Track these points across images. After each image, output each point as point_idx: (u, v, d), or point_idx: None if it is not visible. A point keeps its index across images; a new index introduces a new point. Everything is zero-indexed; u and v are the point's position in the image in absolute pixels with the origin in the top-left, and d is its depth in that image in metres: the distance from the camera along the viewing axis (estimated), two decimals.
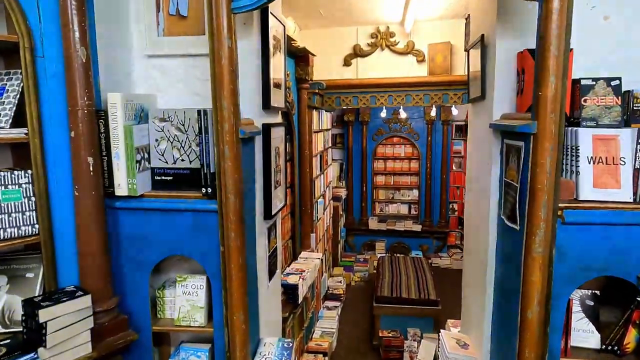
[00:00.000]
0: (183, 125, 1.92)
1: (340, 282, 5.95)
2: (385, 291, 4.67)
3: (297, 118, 4.28)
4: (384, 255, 6.74)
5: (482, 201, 2.12)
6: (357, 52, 4.75)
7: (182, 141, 1.93)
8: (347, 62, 4.78)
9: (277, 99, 2.34)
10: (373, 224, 7.52)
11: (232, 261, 1.82)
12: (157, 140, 1.94)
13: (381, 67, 4.68)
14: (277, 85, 2.35)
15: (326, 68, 4.66)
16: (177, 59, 2.07)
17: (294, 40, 3.55)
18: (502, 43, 1.90)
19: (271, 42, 2.15)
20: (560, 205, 1.60)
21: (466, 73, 2.51)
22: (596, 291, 1.81)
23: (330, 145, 6.31)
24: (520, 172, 1.66)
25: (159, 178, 1.96)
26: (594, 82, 1.69)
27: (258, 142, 2.14)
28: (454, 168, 7.51)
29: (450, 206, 7.58)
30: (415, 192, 7.65)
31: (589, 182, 1.65)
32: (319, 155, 5.05)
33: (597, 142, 1.67)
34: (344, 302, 5.71)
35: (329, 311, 5.17)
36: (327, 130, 5.82)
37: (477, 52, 2.16)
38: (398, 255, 6.64)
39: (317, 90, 4.42)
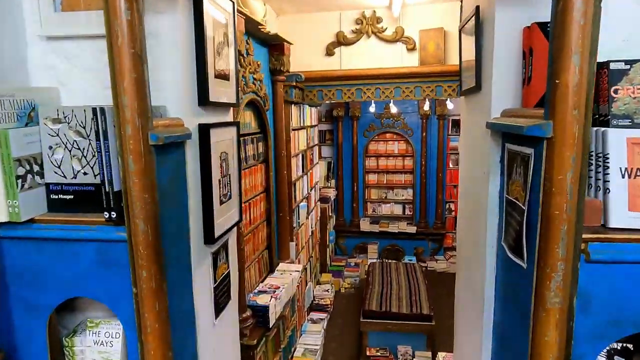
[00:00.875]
0: (84, 127, 1.46)
1: (328, 290, 5.52)
2: (373, 304, 4.24)
3: (272, 114, 3.81)
4: (375, 260, 6.30)
5: (475, 222, 1.67)
6: (341, 40, 4.27)
7: (84, 149, 1.47)
8: (329, 52, 4.30)
9: (222, 92, 1.89)
10: (365, 225, 7.09)
11: (146, 308, 1.37)
12: (51, 147, 1.48)
13: (367, 56, 4.22)
14: (223, 76, 1.89)
15: (306, 58, 4.20)
16: (83, 41, 1.61)
17: (262, 25, 3.08)
18: (503, 16, 1.44)
19: (209, 19, 1.69)
20: (583, 236, 1.16)
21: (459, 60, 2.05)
22: (628, 345, 1.37)
23: (317, 142, 5.85)
24: (529, 190, 1.21)
25: (56, 197, 1.51)
26: (629, 66, 1.24)
27: (193, 147, 1.69)
28: (450, 165, 7.06)
29: (447, 206, 7.14)
30: (410, 191, 7.21)
31: (623, 203, 1.20)
32: (300, 155, 4.59)
33: (633, 147, 1.22)
34: (332, 313, 5.29)
35: (313, 324, 4.75)
36: (311, 126, 5.36)
37: (470, 30, 1.71)
38: (390, 261, 6.21)
39: (295, 83, 3.95)
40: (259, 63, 3.39)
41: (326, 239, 6.20)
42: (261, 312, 3.04)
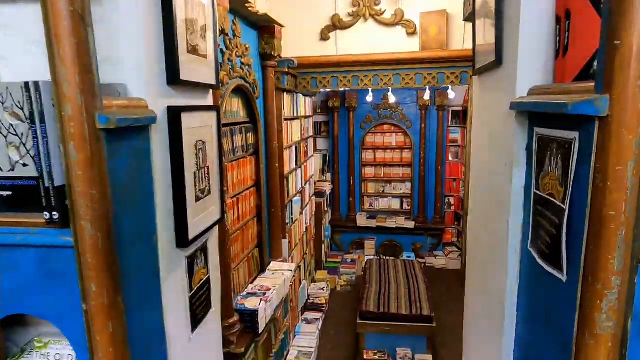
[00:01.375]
0: (22, 109, 1.20)
1: (323, 289, 5.29)
2: (371, 305, 4.01)
3: (263, 103, 3.55)
4: (372, 257, 6.08)
5: (494, 221, 1.43)
6: (336, 24, 4.00)
7: (23, 135, 1.21)
8: (324, 36, 4.03)
9: (198, 71, 1.63)
10: (362, 220, 6.85)
11: (97, 328, 1.13)
12: None
13: (365, 41, 3.95)
14: (199, 53, 1.63)
15: (299, 42, 3.92)
16: (25, 6, 1.34)
17: (249, 3, 2.81)
18: None
19: None
20: None
21: (471, 41, 1.80)
22: None
23: (311, 134, 5.59)
24: (571, 185, 0.97)
25: None
26: None
27: (160, 134, 1.43)
28: (450, 158, 6.82)
29: (446, 200, 6.91)
30: (408, 185, 6.98)
31: None
32: (293, 147, 4.33)
33: None
34: (327, 313, 5.06)
35: (308, 325, 4.52)
36: (306, 117, 5.09)
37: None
38: (388, 258, 5.99)
39: (287, 69, 3.69)
40: (247, 46, 3.12)
41: (321, 234, 5.96)
42: (250, 317, 2.80)
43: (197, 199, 1.63)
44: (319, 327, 4.56)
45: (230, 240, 3.04)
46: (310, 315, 4.77)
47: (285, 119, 3.97)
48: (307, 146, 5.18)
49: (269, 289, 3.15)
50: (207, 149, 1.71)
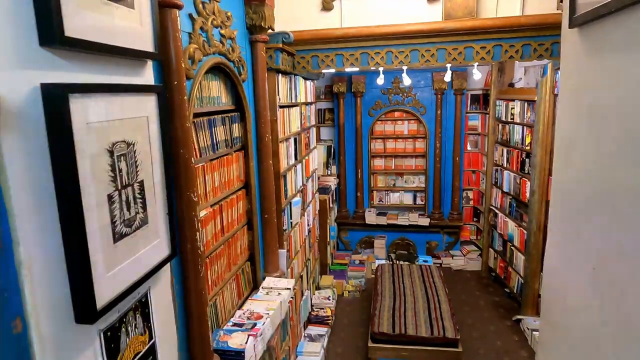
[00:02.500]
0: None
1: (329, 297, 4.70)
2: (384, 324, 3.41)
3: (252, 86, 2.90)
4: (384, 262, 5.46)
5: (613, 240, 0.79)
6: None
7: None
8: (326, 5, 3.35)
9: (113, 25, 0.99)
10: (371, 217, 6.23)
11: None
12: None
13: (376, 10, 3.27)
14: None
15: (296, 13, 3.26)
16: None
17: None
18: None
19: None
20: None
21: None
22: None
23: (314, 123, 4.94)
24: None
25: None
26: None
27: (28, 130, 0.80)
28: (468, 148, 6.14)
29: (464, 194, 6.25)
30: (422, 179, 6.32)
31: None
32: (292, 139, 3.69)
33: None
34: (333, 326, 4.47)
35: (311, 343, 3.94)
36: (307, 104, 4.44)
37: None
38: (401, 262, 5.37)
39: (281, 45, 3.02)
40: (228, 14, 2.47)
41: (327, 235, 5.36)
42: (235, 358, 2.21)
43: (119, 236, 1.01)
44: (324, 345, 3.98)
45: (211, 259, 2.44)
46: (314, 330, 4.18)
47: (281, 106, 3.33)
48: (308, 137, 4.53)
49: (261, 317, 2.55)
50: (137, 155, 1.08)
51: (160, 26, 1.37)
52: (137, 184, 1.06)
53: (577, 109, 1.16)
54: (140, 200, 1.08)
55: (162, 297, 1.28)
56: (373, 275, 5.78)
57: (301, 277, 4.07)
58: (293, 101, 3.71)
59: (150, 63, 1.24)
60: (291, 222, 3.65)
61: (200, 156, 2.30)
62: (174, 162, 1.85)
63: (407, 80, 4.13)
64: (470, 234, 6.32)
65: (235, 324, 2.46)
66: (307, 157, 4.39)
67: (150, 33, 1.15)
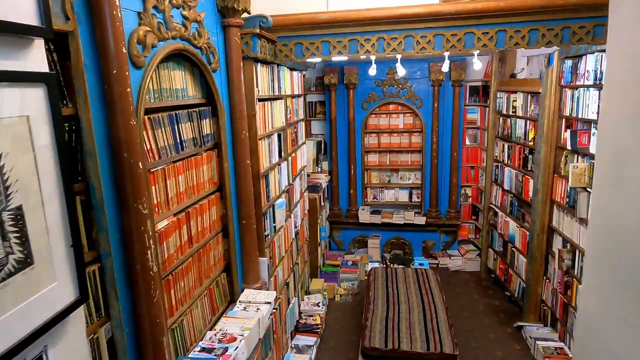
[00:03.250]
0: None
1: (319, 304, 4.40)
2: (376, 338, 3.13)
3: (225, 77, 2.58)
4: (377, 266, 5.16)
5: None
6: None
7: None
8: None
9: None
10: (364, 216, 5.92)
11: None
12: None
13: None
14: None
15: None
16: None
17: None
18: None
19: None
20: None
21: None
22: None
23: (302, 117, 4.61)
24: None
25: None
26: None
27: None
28: (467, 143, 5.83)
29: (463, 191, 5.96)
30: (418, 175, 6.01)
31: None
32: (274, 136, 3.37)
33: None
34: (323, 335, 4.19)
35: (298, 356, 3.65)
36: (293, 96, 4.11)
37: None
38: (396, 266, 5.07)
39: (258, 31, 2.69)
40: None
41: (317, 236, 5.05)
42: None
43: None
44: (313, 358, 3.70)
45: (176, 275, 2.13)
46: (301, 339, 3.90)
47: (261, 99, 3.00)
48: (295, 133, 4.21)
49: (234, 340, 2.25)
50: (7, 172, 0.76)
51: None
52: (8, 213, 0.75)
53: (635, 107, 0.85)
54: (16, 235, 0.77)
55: (69, 355, 0.98)
56: (366, 277, 5.50)
57: (287, 284, 3.78)
58: (276, 93, 3.38)
59: (39, 42, 0.91)
60: (274, 226, 3.34)
61: (159, 158, 1.98)
62: (117, 168, 1.53)
63: (401, 71, 3.81)
64: (469, 233, 6.04)
65: (203, 349, 2.16)
66: (294, 154, 4.07)
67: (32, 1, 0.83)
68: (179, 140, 2.15)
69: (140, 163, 1.58)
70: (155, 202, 1.94)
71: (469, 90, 5.66)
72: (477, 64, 3.58)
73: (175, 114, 2.13)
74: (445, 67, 3.73)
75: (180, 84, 2.18)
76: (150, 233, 1.66)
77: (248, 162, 2.73)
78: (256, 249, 2.90)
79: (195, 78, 2.36)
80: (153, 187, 1.92)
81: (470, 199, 5.96)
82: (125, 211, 1.57)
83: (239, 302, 2.70)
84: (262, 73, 2.99)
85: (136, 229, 1.60)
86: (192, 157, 2.31)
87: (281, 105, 3.57)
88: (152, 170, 1.91)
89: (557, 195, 3.85)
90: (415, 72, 5.58)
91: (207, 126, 2.47)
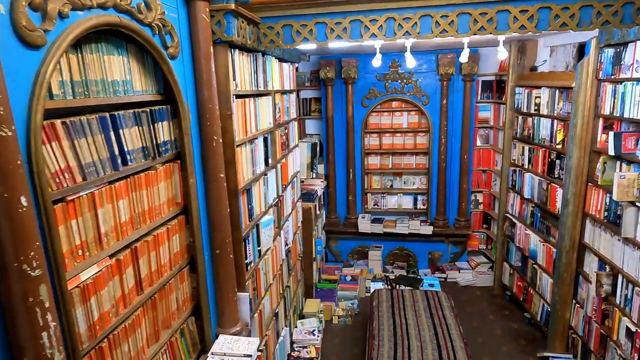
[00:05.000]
0: None
1: (314, 332, 3.82)
2: None
3: (191, 67, 1.98)
4: (381, 287, 4.60)
5: None
6: None
7: None
8: None
9: None
10: (364, 225, 5.35)
11: None
12: None
13: None
14: None
15: None
16: None
17: None
18: None
19: None
20: None
21: None
22: None
23: (294, 116, 4.01)
24: None
25: None
26: None
27: None
28: (478, 144, 5.26)
29: (473, 197, 5.39)
30: (424, 179, 5.44)
31: None
32: (260, 140, 2.77)
33: None
34: None
35: None
36: (284, 92, 3.51)
37: None
38: (403, 288, 4.50)
39: (234, 7, 2.08)
40: None
41: (312, 250, 4.47)
42: None
43: None
44: None
45: (114, 340, 1.54)
46: None
47: (240, 96, 2.41)
48: (287, 134, 3.62)
49: None
50: None
51: None
52: None
53: None
54: None
55: None
56: (367, 294, 4.94)
57: (276, 314, 3.19)
58: (261, 88, 2.78)
59: None
60: (259, 251, 2.75)
61: (84, 179, 1.38)
62: None
63: (410, 62, 3.20)
64: (479, 243, 5.48)
65: None
66: (284, 160, 3.48)
67: None
68: (117, 152, 1.56)
69: (22, 197, 0.99)
70: (75, 244, 1.35)
71: (481, 86, 5.08)
72: (502, 53, 2.98)
73: (112, 115, 1.53)
74: (464, 57, 3.13)
75: (120, 74, 1.58)
76: (47, 304, 1.06)
77: (222, 175, 2.13)
78: (234, 283, 2.31)
79: (147, 68, 1.76)
80: (72, 222, 1.33)
81: (482, 205, 5.40)
82: (1, 275, 0.98)
83: (211, 354, 2.12)
84: (241, 63, 2.39)
85: (21, 301, 1.01)
86: (143, 174, 1.72)
87: (268, 103, 2.97)
88: (70, 198, 1.32)
89: (592, 208, 3.29)
90: (422, 66, 4.99)
91: (164, 131, 1.87)
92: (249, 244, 2.55)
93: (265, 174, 2.91)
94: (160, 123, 1.83)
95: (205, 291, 2.19)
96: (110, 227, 1.53)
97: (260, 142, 2.77)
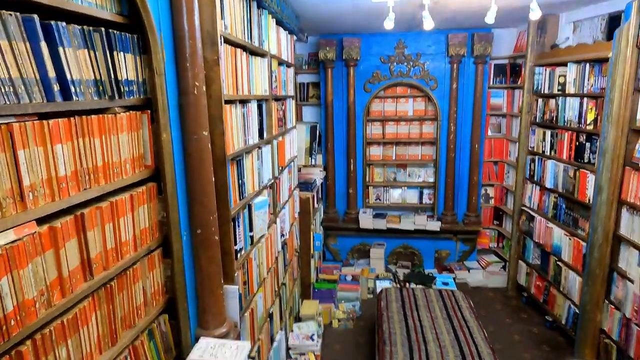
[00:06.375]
0: None
1: (312, 337, 3.36)
2: None
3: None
4: (388, 285, 4.15)
5: None
6: None
7: None
8: None
9: None
10: (366, 220, 4.91)
11: None
12: None
13: None
14: None
15: None
16: None
17: None
18: None
19: None
20: None
21: None
22: None
23: (292, 94, 3.58)
24: None
25: None
26: None
27: None
28: (489, 133, 4.87)
29: (484, 191, 4.99)
30: (430, 172, 5.03)
31: None
32: (253, 105, 2.33)
33: None
34: None
35: None
36: (282, 63, 3.09)
37: None
38: (414, 286, 4.06)
39: None
40: None
41: (310, 246, 4.02)
42: None
43: None
44: None
45: (40, 345, 1.07)
46: None
47: (230, 42, 1.97)
48: (283, 111, 3.18)
49: None
50: None
51: None
52: None
53: None
54: None
55: None
56: (370, 295, 4.49)
57: (271, 316, 2.72)
58: (255, 44, 2.34)
59: None
60: (251, 237, 2.29)
61: None
62: None
63: (429, 23, 2.77)
64: (490, 241, 5.07)
65: None
66: (280, 138, 3.04)
67: None
68: (54, 77, 1.11)
69: None
70: None
71: (493, 70, 4.70)
72: (536, 12, 2.57)
73: (47, 24, 1.08)
74: (490, 17, 2.70)
75: None
76: None
77: (205, 134, 1.68)
78: (219, 272, 1.85)
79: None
80: None
81: (493, 200, 4.99)
82: None
83: None
84: (232, 5, 1.95)
85: None
86: (95, 116, 1.27)
87: (264, 66, 2.53)
88: None
89: (630, 195, 2.89)
90: (429, 47, 4.60)
91: (128, 66, 1.42)
92: (239, 226, 2.09)
93: (260, 148, 2.47)
94: (122, 54, 1.38)
95: (183, 281, 1.73)
96: (39, 180, 1.07)
97: (253, 107, 2.32)
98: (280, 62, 3.12)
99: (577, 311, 3.41)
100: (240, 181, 2.12)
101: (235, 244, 2.05)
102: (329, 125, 4.86)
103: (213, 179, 1.75)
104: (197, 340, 1.79)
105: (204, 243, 1.75)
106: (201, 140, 1.67)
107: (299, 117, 5.11)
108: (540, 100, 3.96)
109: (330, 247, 5.22)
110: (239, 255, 2.09)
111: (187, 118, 1.64)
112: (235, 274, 2.00)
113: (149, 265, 1.57)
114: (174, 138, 1.62)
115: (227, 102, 1.91)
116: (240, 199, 2.13)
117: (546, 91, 3.84)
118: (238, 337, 1.97)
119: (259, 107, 2.45)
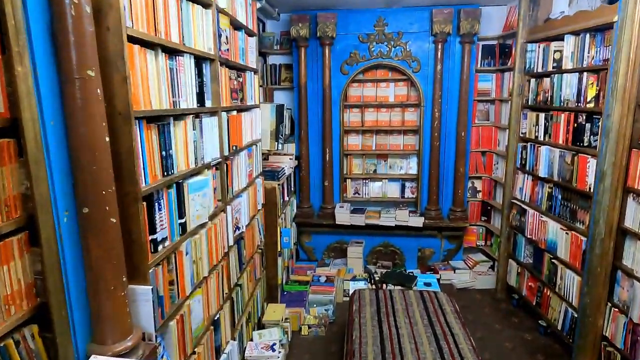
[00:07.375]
0: None
1: (274, 347, 2.88)
2: None
3: None
4: (362, 286, 3.70)
5: None
6: None
7: None
8: None
9: None
10: (343, 215, 4.46)
11: None
12: None
13: None
14: None
15: None
16: None
17: None
18: None
19: None
20: None
21: None
22: None
23: (255, 67, 3.12)
24: None
25: None
26: None
27: None
28: (477, 120, 4.48)
29: (471, 184, 4.59)
30: (413, 163, 4.61)
31: None
32: (186, 58, 1.86)
33: None
34: None
35: None
36: (233, 20, 2.63)
37: None
38: (392, 288, 3.62)
39: None
40: None
41: (277, 243, 3.55)
42: None
43: None
44: None
45: None
46: None
47: None
48: (240, 83, 2.71)
49: None
50: None
51: None
52: None
53: None
54: None
55: None
56: (346, 298, 4.04)
57: (216, 323, 2.24)
58: None
59: None
60: (181, 225, 1.81)
61: None
62: None
63: None
64: (477, 239, 4.67)
65: None
66: (234, 113, 2.57)
67: None
68: None
69: None
70: None
71: (481, 51, 4.31)
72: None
73: None
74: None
75: None
76: None
77: (91, 74, 1.21)
78: (121, 267, 1.37)
79: None
80: None
81: (481, 194, 4.60)
82: None
83: None
84: None
85: None
86: None
87: (206, 15, 2.07)
88: None
89: (637, 181, 2.51)
90: (412, 25, 4.19)
91: None
92: (160, 209, 1.62)
93: (199, 117, 2.00)
94: None
95: (60, 279, 1.25)
96: None
97: (187, 62, 1.85)
98: (237, 26, 2.67)
99: (575, 315, 3.01)
100: (164, 152, 1.66)
101: (154, 233, 1.58)
102: (303, 110, 4.41)
103: (107, 140, 1.28)
104: (87, 359, 1.31)
105: (95, 227, 1.28)
106: (85, 83, 1.20)
107: (270, 102, 4.65)
108: (532, 80, 3.57)
109: (304, 246, 4.76)
110: (160, 246, 1.62)
111: (63, 50, 1.17)
112: (150, 271, 1.53)
113: (4, 256, 1.10)
114: (40, 77, 1.15)
115: (137, 41, 1.44)
116: (163, 175, 1.66)
117: (540, 69, 3.45)
118: (153, 353, 1.50)
119: (198, 66, 1.99)
